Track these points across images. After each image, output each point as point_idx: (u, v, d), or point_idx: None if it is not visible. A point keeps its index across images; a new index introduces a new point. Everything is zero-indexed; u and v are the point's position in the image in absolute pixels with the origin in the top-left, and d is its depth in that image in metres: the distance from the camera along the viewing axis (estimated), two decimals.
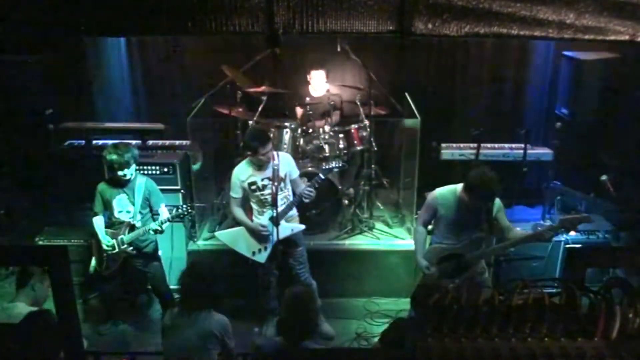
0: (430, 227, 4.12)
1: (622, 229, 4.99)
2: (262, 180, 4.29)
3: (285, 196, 4.33)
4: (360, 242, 5.36)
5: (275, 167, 4.17)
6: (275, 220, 4.23)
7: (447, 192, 3.92)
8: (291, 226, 4.38)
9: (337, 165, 4.46)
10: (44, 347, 2.21)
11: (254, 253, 4.40)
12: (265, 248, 4.38)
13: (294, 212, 4.47)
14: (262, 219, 4.34)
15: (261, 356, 3.08)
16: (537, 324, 1.67)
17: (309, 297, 3.16)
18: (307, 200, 4.31)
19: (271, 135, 5.43)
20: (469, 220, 3.85)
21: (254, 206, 4.41)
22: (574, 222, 3.69)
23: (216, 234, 4.65)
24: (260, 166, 4.24)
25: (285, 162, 4.34)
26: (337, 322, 4.83)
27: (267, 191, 4.29)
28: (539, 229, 3.90)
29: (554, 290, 1.81)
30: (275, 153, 4.29)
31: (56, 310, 1.92)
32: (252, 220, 4.40)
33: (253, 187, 4.31)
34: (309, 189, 4.24)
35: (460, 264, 3.87)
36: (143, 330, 4.71)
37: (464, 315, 1.70)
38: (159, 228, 4.35)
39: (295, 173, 4.39)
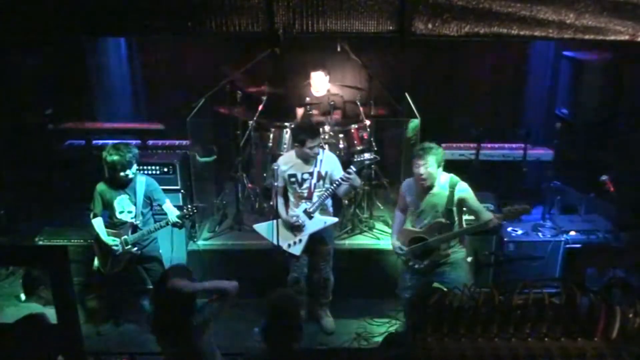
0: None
1: (622, 229, 4.99)
2: (303, 174, 4.34)
3: (322, 194, 4.37)
4: (360, 242, 5.36)
5: (319, 162, 4.27)
6: (308, 213, 4.34)
7: (411, 179, 4.13)
8: (324, 219, 4.40)
9: (370, 157, 4.40)
10: (40, 349, 2.21)
11: (289, 245, 4.44)
12: (300, 240, 4.41)
13: (328, 206, 4.50)
14: (295, 211, 4.39)
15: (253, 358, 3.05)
16: (537, 324, 1.67)
17: (292, 301, 3.09)
18: (345, 185, 4.26)
19: (271, 135, 5.46)
20: (429, 205, 4.00)
21: (291, 198, 4.45)
22: (515, 213, 3.85)
23: (254, 226, 4.65)
24: (305, 160, 4.30)
25: (329, 161, 4.39)
26: (337, 322, 4.83)
27: (305, 186, 4.35)
28: (495, 216, 3.91)
29: (554, 291, 1.81)
30: (321, 150, 4.37)
31: (56, 310, 1.92)
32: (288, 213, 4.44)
33: (292, 179, 4.37)
34: (338, 180, 4.22)
35: (425, 247, 4.02)
36: (143, 331, 4.71)
37: (464, 315, 1.70)
38: (179, 221, 4.36)
39: (339, 174, 4.37)
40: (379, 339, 4.60)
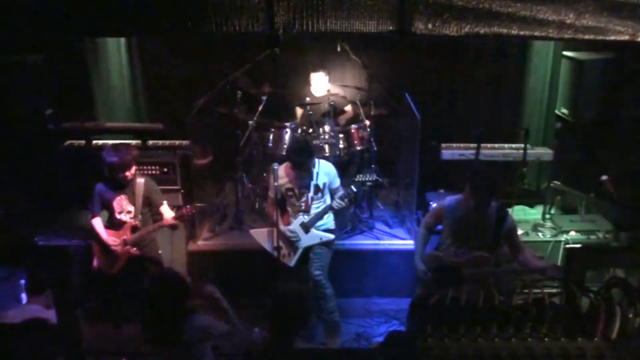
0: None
1: (622, 229, 4.99)
2: (300, 188, 4.32)
3: (320, 206, 4.36)
4: (360, 242, 5.36)
5: (315, 175, 4.23)
6: (305, 227, 4.31)
7: (455, 200, 3.87)
8: (320, 235, 4.39)
9: (372, 179, 4.33)
10: (42, 352, 2.20)
11: (283, 256, 4.42)
12: (294, 252, 4.41)
13: (330, 222, 4.49)
14: (292, 224, 4.36)
15: (256, 354, 3.06)
16: (537, 324, 1.67)
17: (299, 293, 3.10)
18: (337, 208, 4.30)
19: (271, 136, 5.46)
20: (474, 234, 3.76)
21: (289, 210, 4.43)
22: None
23: (251, 231, 4.68)
24: (300, 175, 4.27)
25: (325, 172, 4.35)
26: None
27: (303, 199, 4.33)
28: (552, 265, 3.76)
29: (554, 291, 1.81)
30: (316, 161, 4.31)
31: (56, 310, 1.92)
32: (289, 222, 4.40)
33: (290, 193, 4.35)
34: (339, 201, 4.23)
35: (457, 277, 3.70)
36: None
37: (464, 315, 1.70)
38: (175, 222, 4.34)
39: (336, 183, 4.38)
40: (379, 339, 4.60)
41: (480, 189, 3.63)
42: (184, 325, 3.01)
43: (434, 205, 4.02)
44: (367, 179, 4.29)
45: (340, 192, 4.31)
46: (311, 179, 4.28)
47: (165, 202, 4.49)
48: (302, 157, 4.18)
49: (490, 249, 3.72)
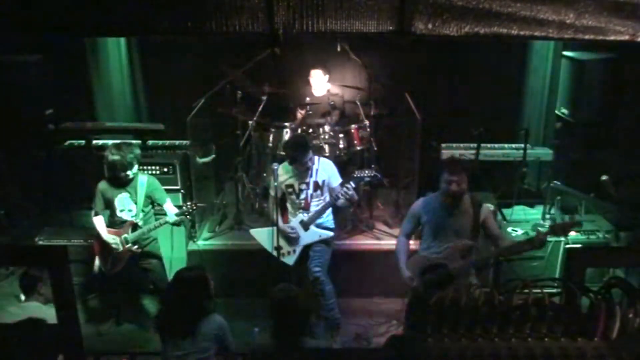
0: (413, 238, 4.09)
1: (622, 229, 4.99)
2: (300, 185, 4.32)
3: (320, 204, 4.36)
4: (360, 242, 5.36)
5: (315, 172, 4.25)
6: (305, 224, 4.32)
7: (430, 197, 3.87)
8: (319, 232, 4.40)
9: (370, 174, 4.33)
10: (40, 350, 2.21)
11: (283, 255, 4.43)
12: (294, 251, 4.41)
13: (329, 221, 4.48)
14: (292, 222, 4.37)
15: (260, 356, 3.07)
16: (537, 324, 1.67)
17: (294, 295, 3.10)
18: (342, 200, 4.25)
19: (271, 136, 5.46)
20: (453, 225, 3.71)
21: (289, 208, 4.44)
22: (565, 228, 3.62)
23: (251, 231, 4.69)
24: (300, 171, 4.29)
25: (325, 169, 4.36)
26: None
27: (302, 196, 4.34)
28: (536, 232, 3.80)
29: (554, 290, 1.81)
30: (316, 158, 4.33)
31: (56, 310, 1.92)
32: (288, 221, 4.41)
33: (290, 189, 4.36)
34: (346, 189, 4.19)
35: (445, 275, 3.66)
36: (144, 330, 4.71)
37: (464, 315, 1.70)
38: (178, 219, 4.36)
39: (336, 181, 4.37)
40: (379, 339, 4.61)
41: (454, 165, 3.70)
42: (200, 322, 3.18)
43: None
44: (365, 174, 4.29)
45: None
46: (309, 169, 4.27)
47: (168, 200, 4.49)
48: (296, 150, 4.21)
49: (470, 238, 3.69)
